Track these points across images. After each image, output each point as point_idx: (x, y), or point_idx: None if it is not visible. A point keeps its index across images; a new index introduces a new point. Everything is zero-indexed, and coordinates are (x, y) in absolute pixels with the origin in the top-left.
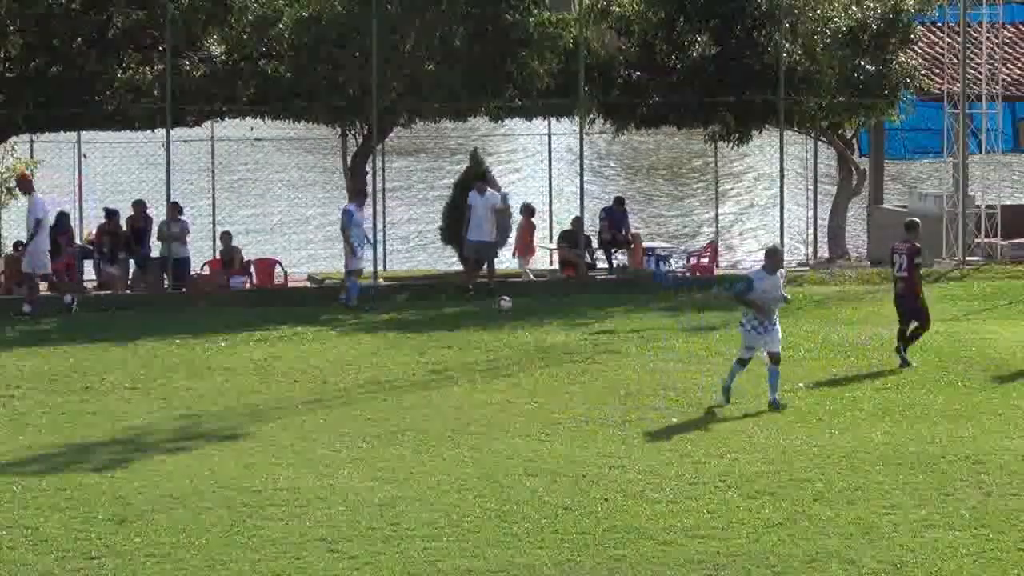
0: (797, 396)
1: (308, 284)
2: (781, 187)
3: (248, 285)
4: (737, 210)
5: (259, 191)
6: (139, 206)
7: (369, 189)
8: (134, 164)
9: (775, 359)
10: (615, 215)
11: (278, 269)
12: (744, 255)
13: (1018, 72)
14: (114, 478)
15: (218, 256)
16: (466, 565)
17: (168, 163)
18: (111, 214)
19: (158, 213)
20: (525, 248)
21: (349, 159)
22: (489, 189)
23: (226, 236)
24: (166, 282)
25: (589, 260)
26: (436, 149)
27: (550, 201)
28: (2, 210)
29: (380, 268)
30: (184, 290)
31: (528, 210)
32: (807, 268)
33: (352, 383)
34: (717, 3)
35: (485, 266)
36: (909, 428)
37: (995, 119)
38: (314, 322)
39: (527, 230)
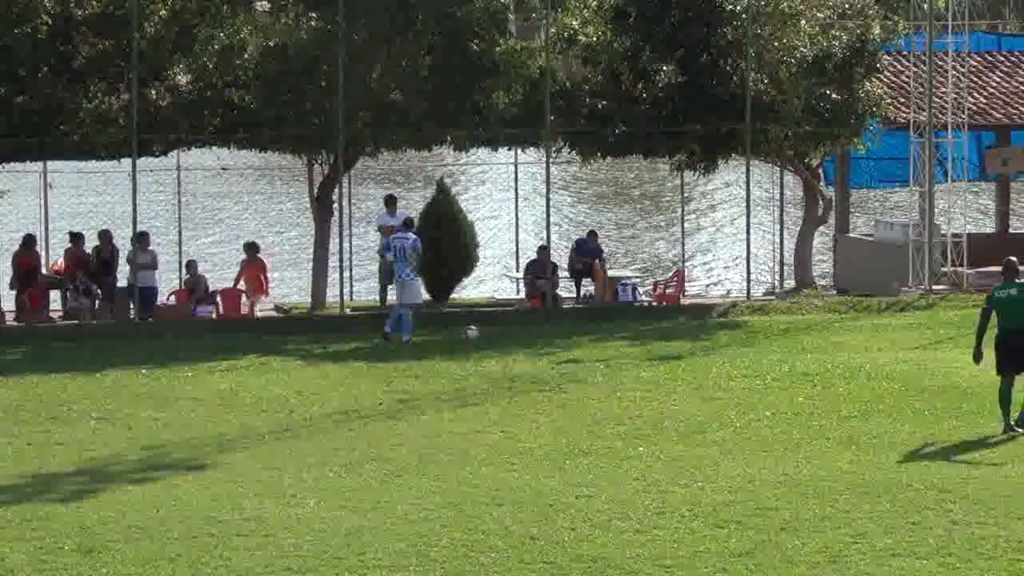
0: (764, 425)
1: (274, 314)
2: (748, 216)
3: (214, 315)
4: (704, 239)
5: (226, 220)
6: (105, 236)
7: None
8: (101, 194)
9: None
10: (586, 249)
11: (244, 299)
12: (710, 284)
13: (984, 101)
14: (80, 509)
15: (184, 285)
16: None
17: (134, 192)
18: (76, 238)
19: (123, 242)
20: (257, 287)
21: (316, 188)
22: (398, 210)
23: (191, 264)
24: (132, 312)
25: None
26: (416, 177)
27: (516, 230)
28: None
29: (347, 299)
30: (150, 320)
31: (253, 248)
32: (773, 297)
33: (318, 413)
34: (683, 32)
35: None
36: (875, 457)
37: (961, 148)
38: (280, 352)
39: (259, 268)
